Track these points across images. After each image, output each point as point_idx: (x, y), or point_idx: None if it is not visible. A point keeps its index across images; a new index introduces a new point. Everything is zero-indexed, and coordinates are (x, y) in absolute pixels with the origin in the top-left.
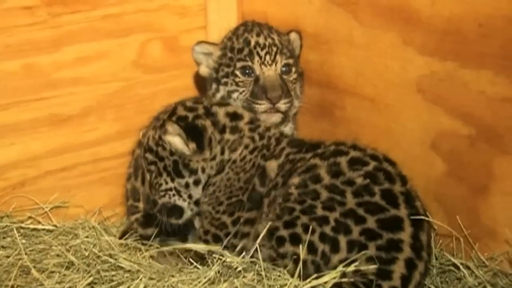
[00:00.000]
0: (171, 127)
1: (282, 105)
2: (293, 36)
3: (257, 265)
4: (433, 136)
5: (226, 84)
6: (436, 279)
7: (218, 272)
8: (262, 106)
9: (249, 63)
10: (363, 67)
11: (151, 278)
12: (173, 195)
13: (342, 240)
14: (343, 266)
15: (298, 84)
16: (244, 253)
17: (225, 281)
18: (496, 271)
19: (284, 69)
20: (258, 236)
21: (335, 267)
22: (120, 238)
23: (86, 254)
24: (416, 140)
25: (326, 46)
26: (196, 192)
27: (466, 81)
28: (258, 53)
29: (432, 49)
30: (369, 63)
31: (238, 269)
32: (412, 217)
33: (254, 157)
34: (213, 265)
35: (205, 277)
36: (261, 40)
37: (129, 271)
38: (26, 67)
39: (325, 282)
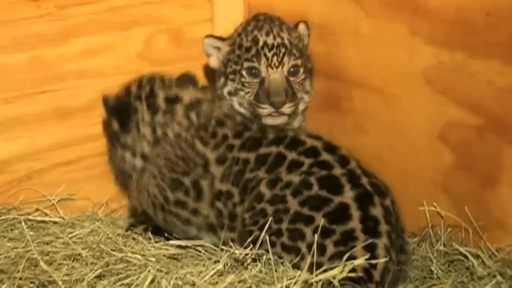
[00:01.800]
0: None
1: (286, 109)
2: (301, 27)
3: (264, 257)
4: (441, 127)
5: (233, 80)
6: (444, 268)
7: (226, 264)
8: (265, 110)
9: (256, 64)
10: (370, 58)
11: (159, 271)
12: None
13: (302, 246)
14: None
15: (308, 81)
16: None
17: (233, 273)
18: (506, 260)
19: (291, 70)
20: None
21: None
22: (127, 230)
23: (94, 246)
24: (424, 131)
25: (333, 37)
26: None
27: (474, 71)
28: (265, 54)
29: (440, 40)
30: (376, 54)
31: (247, 262)
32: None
33: (190, 137)
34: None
35: (213, 269)
36: (269, 40)
37: (136, 263)
38: (32, 60)
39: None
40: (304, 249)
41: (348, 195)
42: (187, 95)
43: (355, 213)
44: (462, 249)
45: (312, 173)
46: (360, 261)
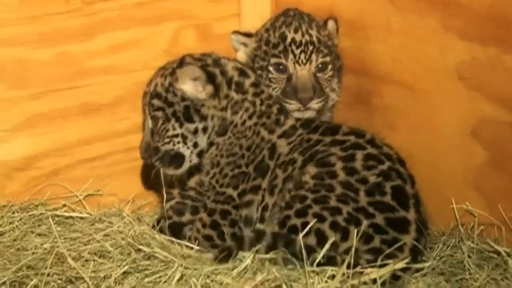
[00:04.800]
0: (190, 69)
1: (313, 104)
2: (330, 24)
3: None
4: (473, 124)
5: (260, 76)
6: (476, 264)
7: (252, 261)
8: (292, 105)
9: (283, 61)
10: (401, 53)
11: (186, 268)
12: (178, 142)
13: (352, 231)
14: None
15: (336, 79)
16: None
17: (260, 270)
18: None
19: (319, 66)
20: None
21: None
22: (154, 227)
23: (122, 243)
24: (456, 128)
25: (362, 33)
26: (202, 140)
27: (508, 67)
28: (293, 51)
29: (473, 35)
30: (407, 50)
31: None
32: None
33: (253, 124)
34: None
35: (243, 268)
36: (297, 37)
37: (163, 260)
38: (59, 56)
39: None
40: (352, 235)
41: (412, 216)
42: (251, 73)
43: (412, 233)
44: (496, 246)
45: (390, 178)
46: (400, 264)
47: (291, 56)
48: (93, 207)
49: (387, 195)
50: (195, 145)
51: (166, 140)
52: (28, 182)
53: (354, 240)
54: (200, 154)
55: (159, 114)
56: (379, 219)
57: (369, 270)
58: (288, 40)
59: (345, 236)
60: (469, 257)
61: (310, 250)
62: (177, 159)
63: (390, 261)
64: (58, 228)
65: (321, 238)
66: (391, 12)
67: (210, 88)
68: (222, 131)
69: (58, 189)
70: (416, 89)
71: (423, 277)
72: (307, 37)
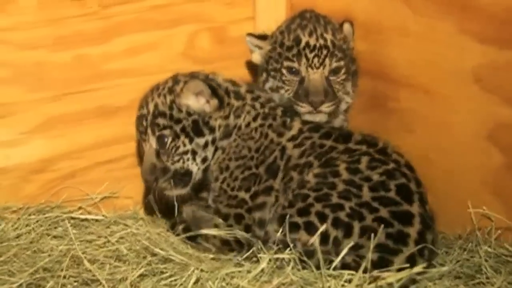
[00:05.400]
0: (194, 84)
1: (325, 108)
2: (346, 27)
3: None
4: (491, 128)
5: (274, 78)
6: (494, 267)
7: (268, 263)
8: (304, 108)
9: (295, 65)
10: (417, 56)
11: (202, 271)
12: (188, 159)
13: (356, 226)
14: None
15: (349, 82)
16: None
17: (276, 273)
18: None
19: (332, 70)
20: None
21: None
22: (168, 230)
23: (137, 246)
24: (473, 132)
25: (378, 35)
26: (210, 152)
27: None
28: (306, 55)
29: (490, 38)
30: (424, 53)
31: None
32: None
33: (259, 126)
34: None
35: (256, 270)
36: (312, 41)
37: (179, 263)
38: (76, 59)
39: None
40: (356, 230)
41: (416, 209)
42: (241, 82)
43: (417, 225)
44: None
45: (394, 177)
46: (418, 269)
47: (304, 60)
48: (108, 210)
49: (391, 191)
50: (204, 160)
51: (176, 158)
52: (45, 185)
53: (370, 250)
54: (205, 169)
55: (167, 132)
56: (383, 212)
57: (386, 274)
58: (302, 44)
59: (348, 232)
60: (486, 261)
61: (313, 251)
62: (185, 177)
63: (407, 265)
64: (74, 231)
65: (324, 237)
66: (408, 15)
67: (215, 102)
68: (226, 135)
69: (74, 192)
70: (432, 92)
71: (439, 279)
72: (321, 41)
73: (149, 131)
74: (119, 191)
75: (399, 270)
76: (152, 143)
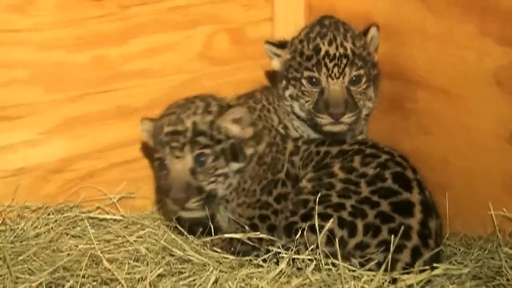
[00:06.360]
0: (239, 110)
1: (346, 119)
2: (373, 30)
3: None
4: (511, 129)
5: (294, 86)
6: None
7: (288, 265)
8: (324, 120)
9: (316, 74)
10: (437, 58)
11: (221, 271)
12: (220, 181)
13: (359, 224)
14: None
15: (371, 88)
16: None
17: (295, 274)
18: None
19: (353, 79)
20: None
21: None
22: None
23: (155, 247)
24: (493, 134)
25: (398, 38)
26: (236, 181)
27: None
28: (326, 65)
29: (511, 39)
30: (443, 55)
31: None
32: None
33: (269, 152)
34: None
35: (276, 270)
36: (331, 50)
37: (198, 264)
38: (95, 59)
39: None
40: (360, 228)
41: (416, 197)
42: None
43: (418, 215)
44: None
45: (388, 167)
46: (439, 271)
47: (324, 69)
48: (126, 210)
49: (387, 180)
50: (229, 186)
51: (212, 179)
52: (64, 185)
53: (389, 255)
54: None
55: (208, 151)
56: (384, 205)
57: (405, 276)
58: (322, 53)
59: (353, 231)
60: (506, 262)
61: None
62: (211, 199)
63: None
64: (92, 231)
65: (329, 238)
66: (427, 17)
67: (250, 130)
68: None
69: (92, 192)
70: (452, 94)
71: (459, 278)
72: (341, 50)
73: (186, 148)
74: (136, 191)
75: (420, 271)
76: (188, 160)
